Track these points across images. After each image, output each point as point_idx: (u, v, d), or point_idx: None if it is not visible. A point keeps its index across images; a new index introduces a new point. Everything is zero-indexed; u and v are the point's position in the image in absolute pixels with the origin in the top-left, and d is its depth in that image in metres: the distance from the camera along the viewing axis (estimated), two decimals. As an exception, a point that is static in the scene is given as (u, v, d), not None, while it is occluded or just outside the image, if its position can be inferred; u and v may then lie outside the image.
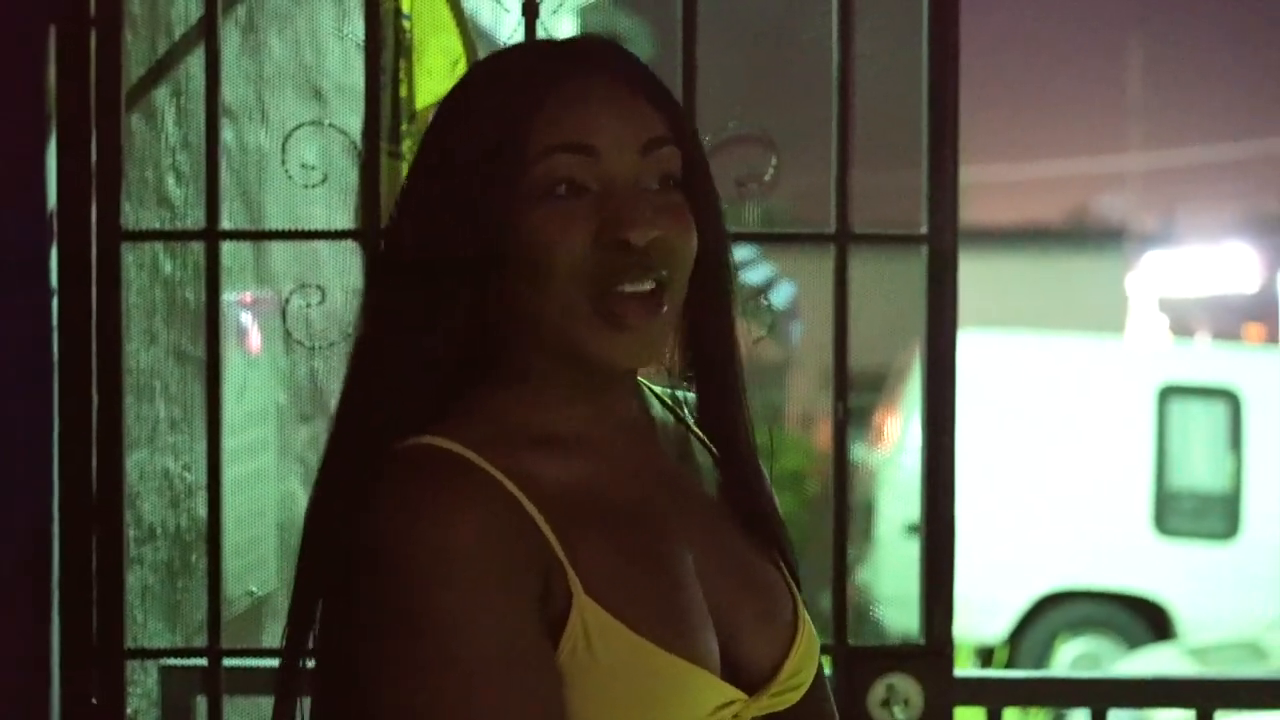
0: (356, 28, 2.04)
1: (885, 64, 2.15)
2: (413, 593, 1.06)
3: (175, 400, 2.34)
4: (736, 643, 1.18)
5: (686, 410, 1.29)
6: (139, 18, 2.21)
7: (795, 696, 1.21)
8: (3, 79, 1.93)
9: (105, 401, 1.98)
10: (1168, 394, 8.57)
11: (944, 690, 2.05)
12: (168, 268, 2.32)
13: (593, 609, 1.10)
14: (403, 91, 2.11)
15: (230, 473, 2.12)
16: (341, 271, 2.48)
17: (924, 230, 2.06)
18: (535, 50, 1.22)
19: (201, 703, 2.07)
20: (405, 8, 2.11)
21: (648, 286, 1.14)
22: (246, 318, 2.54)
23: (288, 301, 2.09)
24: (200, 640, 2.14)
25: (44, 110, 1.94)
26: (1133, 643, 8.18)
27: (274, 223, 2.61)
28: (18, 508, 1.93)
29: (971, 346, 7.59)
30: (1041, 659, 8.29)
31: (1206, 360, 9.59)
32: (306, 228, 2.33)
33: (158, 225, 2.26)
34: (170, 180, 2.32)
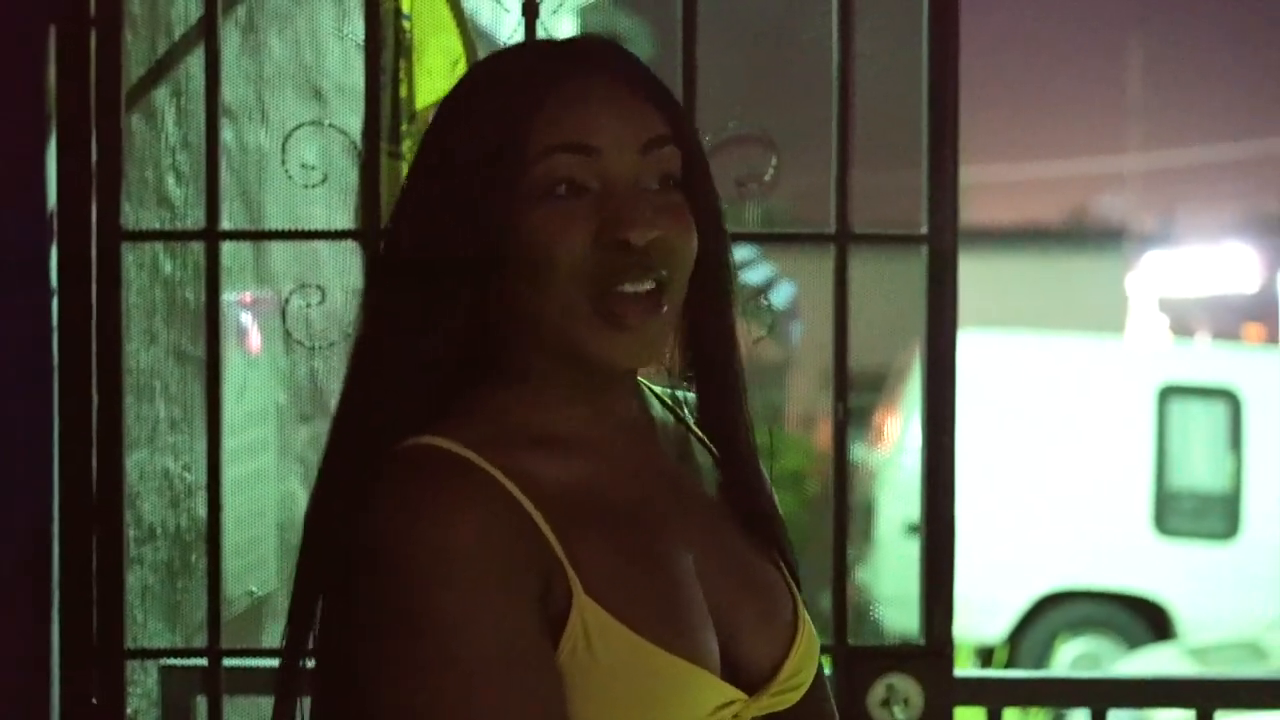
0: (356, 28, 2.04)
1: (885, 64, 2.15)
2: (413, 593, 1.06)
3: (175, 400, 2.34)
4: (736, 643, 1.18)
5: (687, 410, 1.29)
6: (139, 18, 2.21)
7: (795, 696, 1.21)
8: (3, 79, 1.93)
9: (105, 401, 1.98)
10: (1168, 394, 8.57)
11: (944, 690, 2.05)
12: (168, 268, 2.32)
13: (592, 609, 1.10)
14: (403, 91, 2.11)
15: (230, 473, 2.12)
16: (341, 271, 2.48)
17: (924, 230, 2.06)
18: (535, 50, 1.22)
19: (201, 703, 2.07)
20: (405, 8, 2.11)
21: (647, 286, 1.14)
22: (246, 318, 2.54)
23: (287, 301, 2.09)
24: (200, 640, 2.14)
25: (44, 110, 1.94)
26: (1132, 643, 8.17)
27: (274, 223, 2.61)
28: (18, 508, 1.93)
29: (971, 346, 7.59)
30: (1041, 659, 8.29)
31: (1206, 360, 9.59)
32: (306, 228, 2.33)
33: (158, 225, 2.26)
34: (170, 180, 2.32)
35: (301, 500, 2.68)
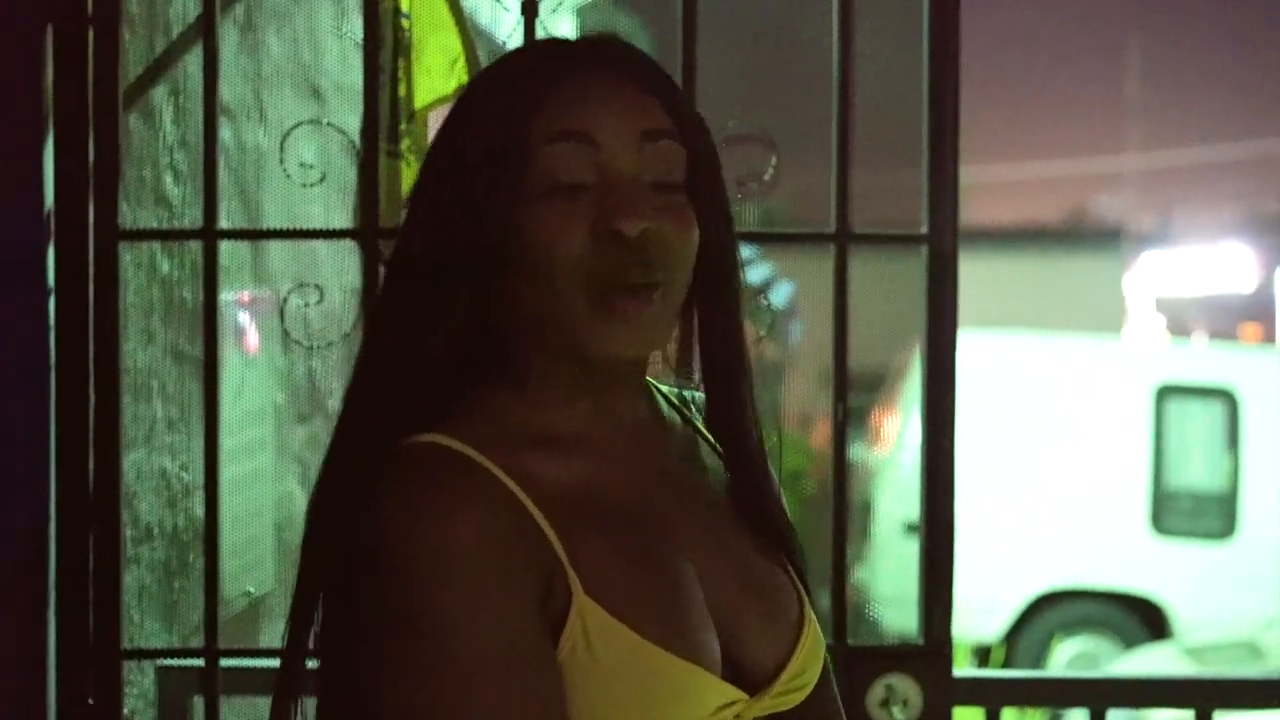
0: (355, 26, 2.04)
1: (885, 64, 2.15)
2: (413, 593, 1.06)
3: (172, 400, 2.34)
4: (739, 643, 1.18)
5: (695, 410, 1.29)
6: (136, 16, 2.20)
7: (799, 697, 1.20)
8: (0, 78, 1.92)
9: (102, 401, 1.98)
10: (1165, 394, 8.58)
11: (943, 690, 2.05)
12: (165, 267, 2.31)
13: (592, 609, 1.10)
14: (401, 90, 2.10)
15: (227, 472, 2.12)
16: (339, 271, 2.48)
17: (924, 230, 2.06)
18: (536, 51, 1.22)
19: (198, 703, 2.07)
20: (404, 6, 2.11)
21: (643, 284, 1.14)
22: (244, 317, 2.54)
23: (285, 301, 2.09)
24: (197, 640, 2.14)
25: (41, 110, 1.94)
26: (1129, 642, 8.18)
27: (272, 222, 2.61)
28: (15, 507, 1.92)
29: (969, 346, 7.58)
30: (1038, 658, 8.29)
31: (1203, 360, 9.59)
32: (304, 227, 2.32)
33: (155, 224, 2.26)
34: (168, 179, 2.31)
35: (299, 500, 2.67)
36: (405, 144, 2.09)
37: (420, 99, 2.12)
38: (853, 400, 2.05)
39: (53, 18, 1.95)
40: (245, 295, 2.55)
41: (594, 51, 1.18)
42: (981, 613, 8.05)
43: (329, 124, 2.19)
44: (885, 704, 2.04)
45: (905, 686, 2.04)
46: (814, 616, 1.24)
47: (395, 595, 1.07)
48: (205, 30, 2.01)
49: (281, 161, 2.06)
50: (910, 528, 7.18)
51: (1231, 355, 10.10)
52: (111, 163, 1.98)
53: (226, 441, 2.08)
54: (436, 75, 2.12)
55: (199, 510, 2.18)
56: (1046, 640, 8.35)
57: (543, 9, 2.01)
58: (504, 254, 1.13)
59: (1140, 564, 8.36)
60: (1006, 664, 8.12)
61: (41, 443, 1.93)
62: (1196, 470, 8.54)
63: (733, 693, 1.15)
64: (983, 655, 8.18)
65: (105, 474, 1.98)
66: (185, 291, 2.35)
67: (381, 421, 1.14)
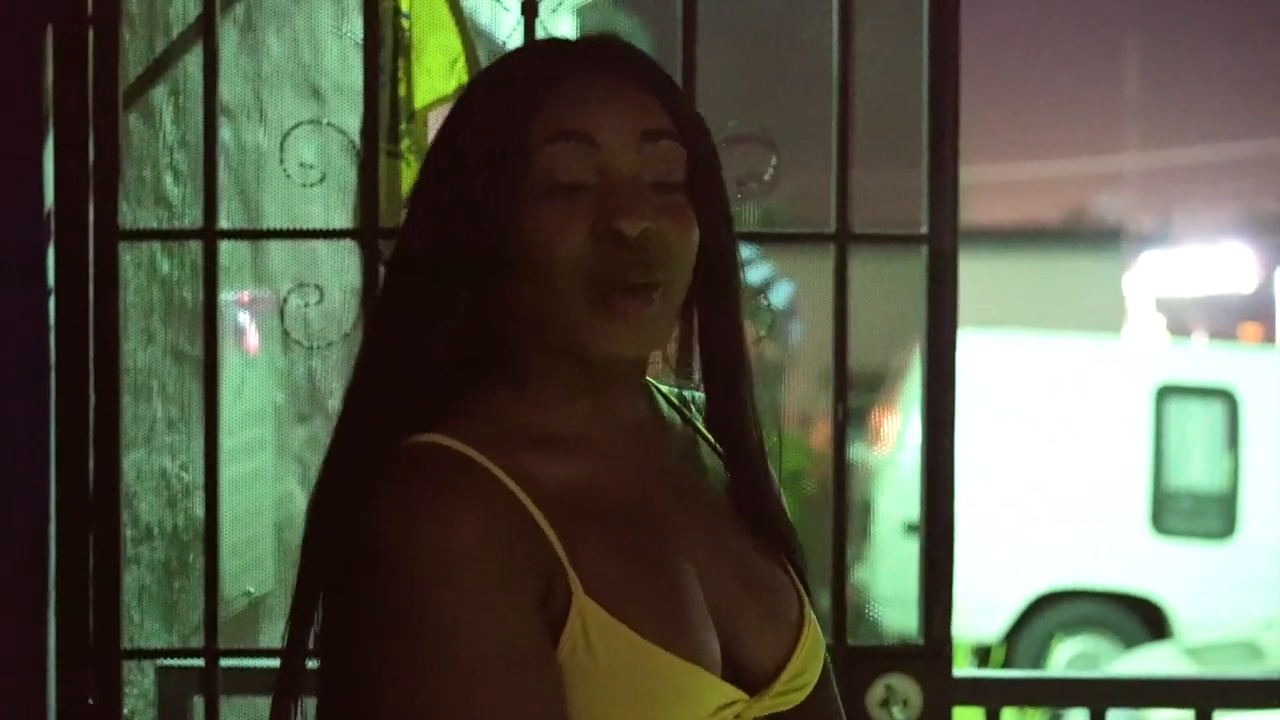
0: (355, 26, 2.04)
1: (885, 64, 2.15)
2: (413, 593, 1.06)
3: (172, 400, 2.34)
4: (739, 643, 1.18)
5: (695, 410, 1.29)
6: (136, 16, 2.20)
7: (799, 697, 1.20)
8: (0, 78, 1.92)
9: (102, 401, 1.98)
10: (1165, 394, 8.58)
11: (943, 690, 2.05)
12: (165, 267, 2.31)
13: (592, 609, 1.10)
14: (401, 90, 2.10)
15: (227, 472, 2.12)
16: (339, 271, 2.48)
17: (924, 230, 2.06)
18: (536, 51, 1.22)
19: (198, 703, 2.07)
20: (404, 6, 2.11)
21: (643, 284, 1.14)
22: (244, 317, 2.54)
23: (285, 301, 2.09)
24: (197, 640, 2.14)
25: (41, 110, 1.94)
26: (1129, 642, 8.18)
27: (272, 222, 2.61)
28: (15, 507, 1.92)
29: (969, 346, 7.58)
30: (1038, 658, 8.29)
31: (1203, 360, 9.59)
32: (304, 227, 2.32)
33: (155, 224, 2.26)
34: (168, 179, 2.31)
35: (299, 500, 2.67)
36: (405, 144, 2.09)
37: (420, 99, 2.12)
38: (853, 400, 2.05)
39: (53, 18, 1.95)
40: (245, 295, 2.55)
41: (594, 51, 1.18)
42: (981, 613, 8.05)
43: (329, 124, 2.19)
44: (885, 704, 2.04)
45: (905, 686, 2.04)
46: (814, 616, 1.24)
47: (395, 595, 1.07)
48: (205, 30, 2.01)
49: (281, 161, 2.06)
50: (910, 528, 7.18)
51: (1231, 355, 10.10)
52: (111, 163, 1.98)
53: (226, 441, 2.08)
54: (436, 75, 2.12)
55: (199, 510, 2.18)
56: (1046, 640, 8.35)
57: (543, 9, 2.01)
58: (504, 254, 1.14)
59: (1140, 564, 8.36)
60: (1006, 664, 8.12)
61: (41, 443, 1.93)
62: (1196, 470, 8.54)
63: (733, 693, 1.15)
64: (983, 655, 8.18)
65: (105, 474, 1.98)
66: (185, 291, 2.35)
67: (381, 421, 1.14)
